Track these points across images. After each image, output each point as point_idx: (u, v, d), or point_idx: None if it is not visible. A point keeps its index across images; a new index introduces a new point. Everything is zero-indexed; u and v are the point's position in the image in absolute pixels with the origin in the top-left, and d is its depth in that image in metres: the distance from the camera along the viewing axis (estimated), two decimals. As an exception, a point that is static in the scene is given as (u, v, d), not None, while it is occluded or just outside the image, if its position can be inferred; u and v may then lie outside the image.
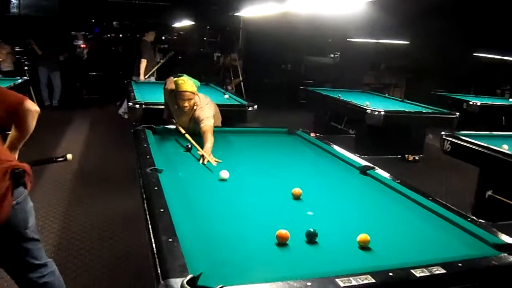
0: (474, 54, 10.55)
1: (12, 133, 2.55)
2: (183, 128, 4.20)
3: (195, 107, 4.08)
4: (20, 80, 7.71)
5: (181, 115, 4.20)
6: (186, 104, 4.01)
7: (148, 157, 3.27)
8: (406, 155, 7.55)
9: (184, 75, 4.16)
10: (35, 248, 2.51)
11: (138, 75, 9.05)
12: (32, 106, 2.48)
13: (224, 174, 3.10)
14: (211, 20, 14.39)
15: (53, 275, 2.61)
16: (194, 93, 4.03)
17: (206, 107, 4.12)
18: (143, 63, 9.07)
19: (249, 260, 1.97)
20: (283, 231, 2.13)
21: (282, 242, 2.12)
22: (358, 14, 7.02)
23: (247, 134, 4.72)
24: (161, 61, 9.90)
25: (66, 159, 2.88)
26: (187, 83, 3.98)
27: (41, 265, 2.53)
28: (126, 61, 12.26)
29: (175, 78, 4.09)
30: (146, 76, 9.07)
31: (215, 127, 4.15)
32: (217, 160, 3.46)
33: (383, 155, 7.12)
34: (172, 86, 4.14)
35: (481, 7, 9.14)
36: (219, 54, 12.96)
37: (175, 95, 4.08)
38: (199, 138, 3.85)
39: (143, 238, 2.16)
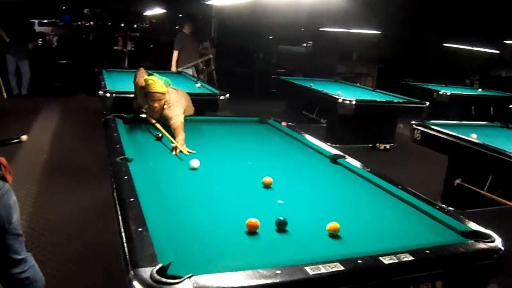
0: (444, 44, 10.69)
1: None
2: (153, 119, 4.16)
3: (165, 106, 4.05)
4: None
5: (152, 112, 4.15)
6: (156, 104, 3.98)
7: (118, 146, 3.24)
8: (377, 144, 7.63)
9: (155, 74, 4.12)
10: (18, 243, 2.47)
11: (176, 66, 9.11)
12: None
13: (195, 163, 3.08)
14: (183, 8, 14.29)
15: (33, 269, 2.57)
16: (164, 94, 3.98)
17: (175, 105, 4.08)
18: (174, 54, 9.11)
19: (219, 249, 1.96)
20: (253, 220, 2.13)
21: (252, 231, 2.12)
22: (330, 3, 7.03)
23: (218, 123, 4.71)
24: (198, 61, 9.90)
25: (20, 141, 2.79)
26: (157, 83, 3.93)
27: (22, 260, 2.50)
28: (97, 49, 12.13)
29: (146, 77, 4.04)
30: (181, 68, 9.01)
31: (187, 116, 4.10)
32: (190, 150, 3.44)
33: (354, 144, 7.15)
34: (142, 82, 4.09)
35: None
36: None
37: (145, 94, 4.05)
38: (170, 127, 3.84)
39: (114, 228, 2.14)
